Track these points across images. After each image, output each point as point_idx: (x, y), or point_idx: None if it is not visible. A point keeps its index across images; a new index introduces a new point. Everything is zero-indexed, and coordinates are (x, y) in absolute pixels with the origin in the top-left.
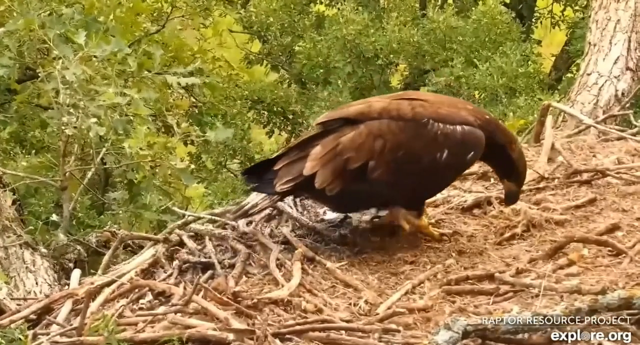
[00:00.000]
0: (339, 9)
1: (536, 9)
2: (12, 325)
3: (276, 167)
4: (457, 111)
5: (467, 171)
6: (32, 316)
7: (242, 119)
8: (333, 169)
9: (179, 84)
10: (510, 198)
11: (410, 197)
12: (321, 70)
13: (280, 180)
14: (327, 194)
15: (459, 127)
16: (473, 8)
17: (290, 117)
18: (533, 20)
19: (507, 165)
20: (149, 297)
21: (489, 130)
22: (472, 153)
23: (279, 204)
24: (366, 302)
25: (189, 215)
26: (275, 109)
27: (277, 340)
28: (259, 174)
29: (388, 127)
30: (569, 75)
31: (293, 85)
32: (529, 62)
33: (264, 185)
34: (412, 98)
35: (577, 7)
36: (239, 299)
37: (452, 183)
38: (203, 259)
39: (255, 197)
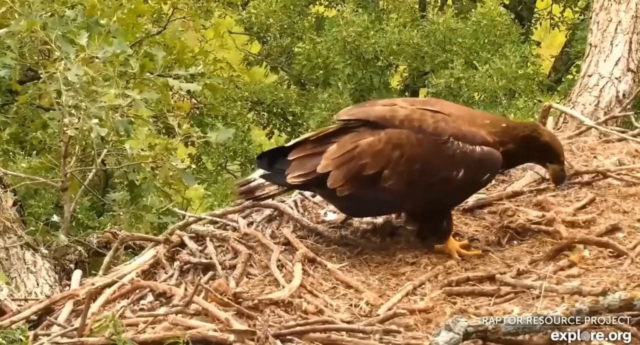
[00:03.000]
0: (338, 10)
1: (535, 10)
2: (13, 326)
3: (290, 158)
4: (477, 129)
5: None
6: (33, 317)
7: (242, 120)
8: (347, 171)
9: (180, 88)
10: (558, 179)
11: (421, 210)
12: (321, 72)
13: (292, 172)
14: (337, 195)
15: (478, 148)
16: (472, 10)
17: (290, 118)
18: (532, 21)
19: (544, 152)
20: (150, 298)
21: (508, 141)
22: (488, 175)
23: (280, 205)
24: (367, 303)
25: (189, 217)
26: (275, 110)
27: (278, 341)
28: (272, 160)
29: (408, 138)
30: (569, 76)
31: (293, 86)
32: (529, 64)
33: (276, 175)
34: (436, 110)
35: (576, 9)
36: (240, 299)
37: (464, 201)
38: (204, 260)
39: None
